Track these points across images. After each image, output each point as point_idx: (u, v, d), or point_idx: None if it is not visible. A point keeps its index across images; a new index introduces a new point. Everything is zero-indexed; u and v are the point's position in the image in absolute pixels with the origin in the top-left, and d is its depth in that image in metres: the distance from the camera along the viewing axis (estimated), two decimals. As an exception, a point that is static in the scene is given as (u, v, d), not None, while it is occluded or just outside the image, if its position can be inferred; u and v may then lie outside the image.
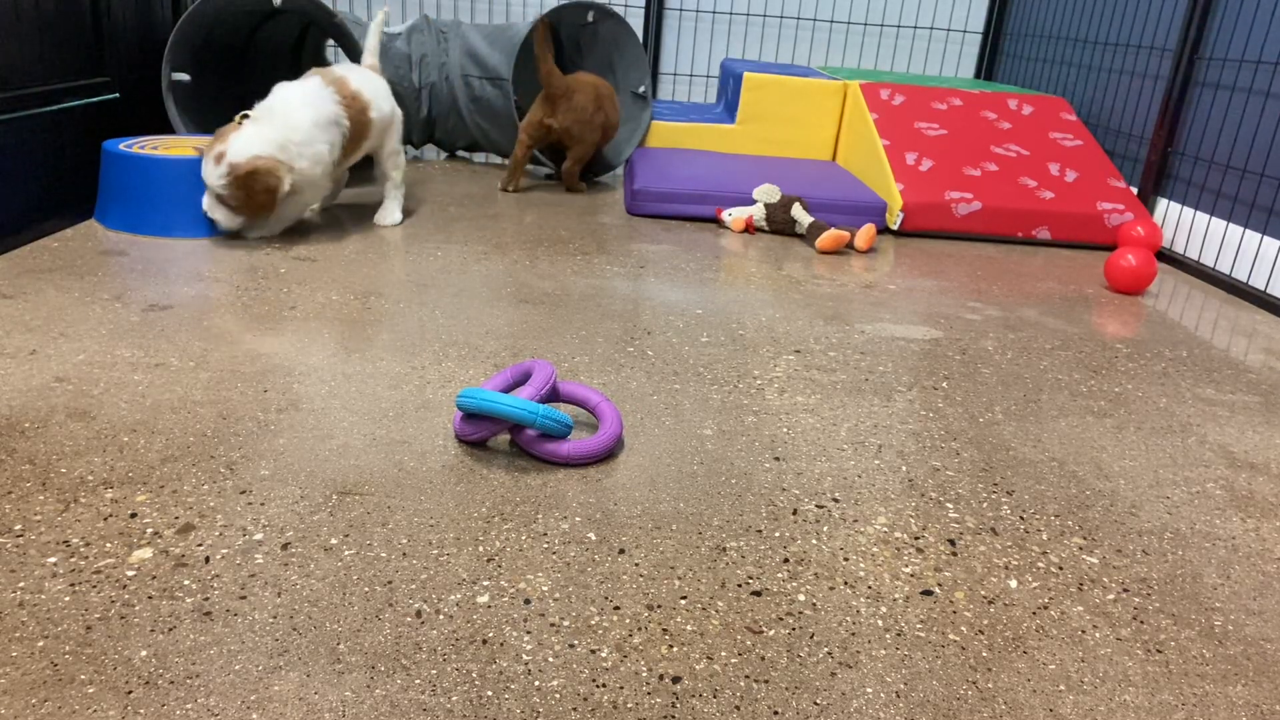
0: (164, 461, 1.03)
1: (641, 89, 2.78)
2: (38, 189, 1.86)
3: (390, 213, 2.05)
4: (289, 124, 1.73)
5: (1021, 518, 1.06)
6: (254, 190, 1.69)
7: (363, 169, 2.36)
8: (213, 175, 1.68)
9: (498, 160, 2.94)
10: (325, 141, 1.79)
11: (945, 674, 0.80)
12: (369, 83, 1.91)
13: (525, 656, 0.78)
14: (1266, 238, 2.04)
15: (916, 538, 1.00)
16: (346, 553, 0.90)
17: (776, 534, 0.99)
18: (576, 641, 0.80)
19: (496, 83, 2.55)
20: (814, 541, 0.98)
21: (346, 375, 1.28)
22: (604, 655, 0.79)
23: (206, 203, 1.73)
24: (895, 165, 2.43)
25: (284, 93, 1.77)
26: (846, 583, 0.91)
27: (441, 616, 0.82)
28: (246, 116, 1.74)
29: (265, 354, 1.33)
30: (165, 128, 2.27)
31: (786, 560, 0.94)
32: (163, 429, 1.10)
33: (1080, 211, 2.36)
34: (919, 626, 0.86)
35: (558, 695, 0.74)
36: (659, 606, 0.86)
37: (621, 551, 0.93)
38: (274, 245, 1.85)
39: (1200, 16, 2.29)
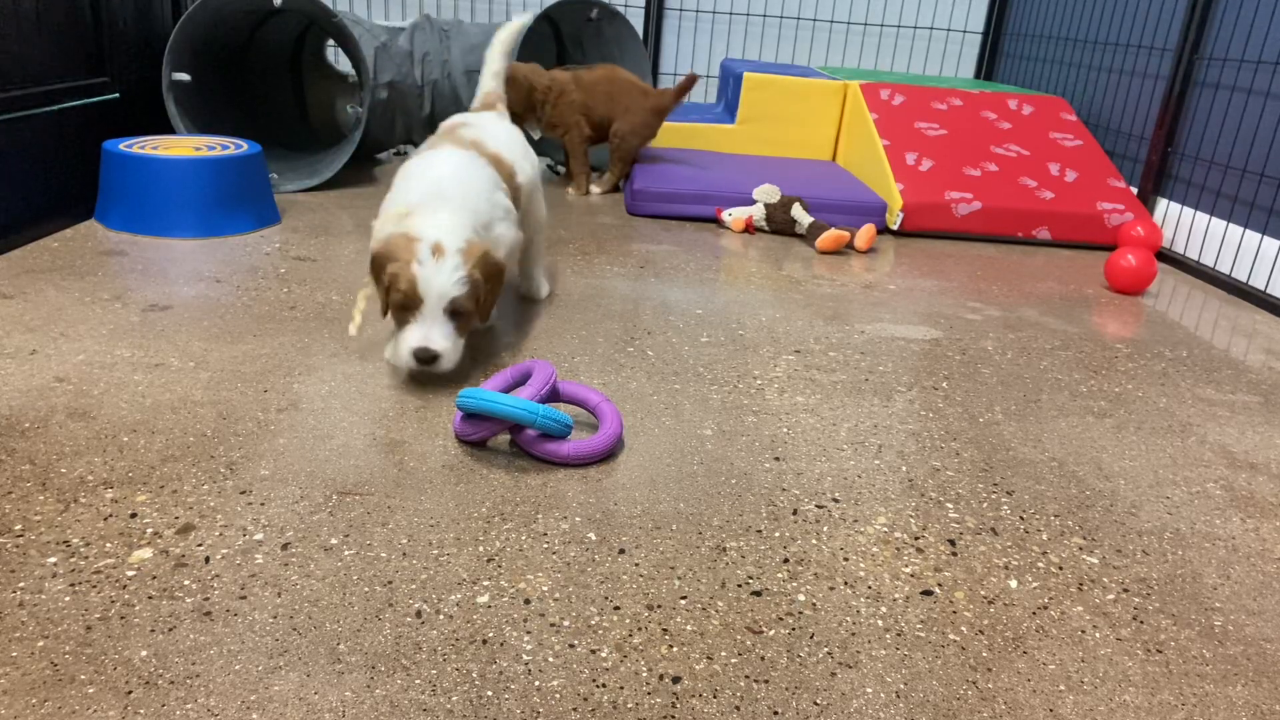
0: (164, 461, 1.03)
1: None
2: (38, 189, 1.86)
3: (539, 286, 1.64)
4: (469, 205, 1.29)
5: (1021, 518, 1.06)
6: (492, 275, 1.26)
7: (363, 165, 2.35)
8: (444, 277, 1.18)
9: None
10: (504, 217, 1.37)
11: (945, 674, 0.80)
12: (507, 139, 1.50)
13: (525, 656, 0.78)
14: (1266, 238, 2.04)
15: (916, 538, 1.00)
16: (346, 553, 0.90)
17: (776, 534, 0.99)
18: (576, 641, 0.80)
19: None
20: (814, 541, 0.98)
21: (346, 375, 1.28)
22: (604, 655, 0.79)
23: (417, 336, 1.20)
24: (895, 165, 2.43)
25: (436, 168, 1.33)
26: (846, 583, 0.91)
27: (441, 616, 0.82)
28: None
29: (265, 354, 1.33)
30: (165, 128, 2.27)
31: (786, 560, 0.94)
32: (163, 429, 1.10)
33: (1080, 211, 2.36)
34: (919, 626, 0.86)
35: (558, 695, 0.74)
36: (659, 606, 0.86)
37: (621, 551, 0.93)
38: (274, 245, 1.85)
39: (1200, 16, 2.29)
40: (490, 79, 1.65)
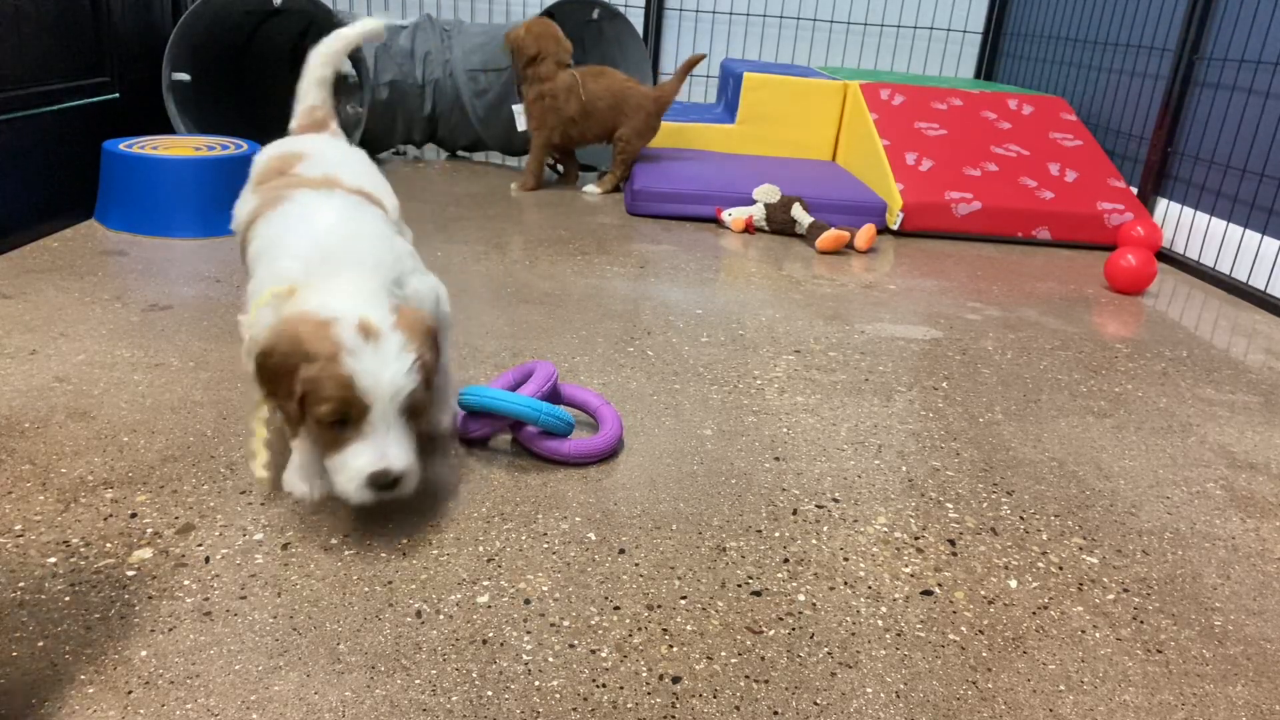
0: (164, 461, 1.03)
1: (642, 89, 2.78)
2: (38, 189, 1.86)
3: None
4: (370, 260, 0.96)
5: (1021, 518, 1.06)
6: (434, 349, 0.95)
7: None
8: (391, 366, 0.86)
9: (497, 160, 2.93)
10: (415, 267, 1.05)
11: (945, 674, 0.80)
12: (364, 168, 1.17)
13: (525, 656, 0.78)
14: (1266, 238, 2.04)
15: (916, 538, 1.00)
16: (346, 553, 0.90)
17: (776, 534, 0.98)
18: (576, 641, 0.80)
19: (500, 72, 2.58)
20: (814, 541, 0.98)
21: (346, 375, 1.28)
22: (604, 655, 0.79)
23: (370, 456, 0.87)
24: (895, 165, 2.43)
25: (309, 224, 0.97)
26: (846, 583, 0.91)
27: (441, 616, 0.82)
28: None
29: (265, 354, 1.33)
30: (165, 128, 2.27)
31: (786, 560, 0.94)
32: (163, 429, 1.10)
33: (1080, 211, 2.36)
34: (919, 626, 0.86)
35: (558, 695, 0.74)
36: (659, 606, 0.86)
37: (621, 551, 0.93)
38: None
39: (1200, 16, 2.29)
40: (314, 89, 1.27)
